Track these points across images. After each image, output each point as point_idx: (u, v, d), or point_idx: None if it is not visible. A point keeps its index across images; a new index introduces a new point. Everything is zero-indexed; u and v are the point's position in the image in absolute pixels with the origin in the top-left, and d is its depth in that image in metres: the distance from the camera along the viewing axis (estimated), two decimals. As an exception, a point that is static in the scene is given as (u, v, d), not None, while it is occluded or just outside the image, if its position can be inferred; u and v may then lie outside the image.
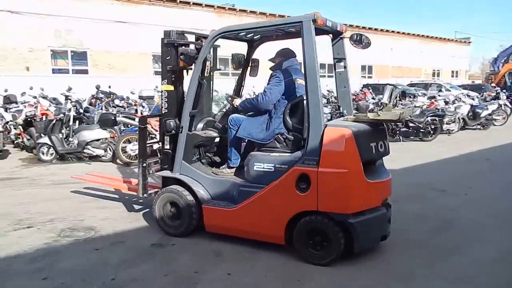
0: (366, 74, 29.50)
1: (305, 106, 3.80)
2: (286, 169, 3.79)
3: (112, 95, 12.74)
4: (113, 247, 4.19)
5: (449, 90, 20.61)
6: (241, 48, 5.10)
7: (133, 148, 7.90)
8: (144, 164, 4.66)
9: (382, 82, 23.22)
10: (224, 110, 5.21)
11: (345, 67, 4.52)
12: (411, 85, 23.67)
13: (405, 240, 4.38)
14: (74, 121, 8.73)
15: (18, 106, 10.56)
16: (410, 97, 16.26)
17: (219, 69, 4.98)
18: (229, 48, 5.22)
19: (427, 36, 34.01)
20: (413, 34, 32.79)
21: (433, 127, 11.27)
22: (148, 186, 4.81)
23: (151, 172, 4.83)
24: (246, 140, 4.44)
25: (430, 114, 11.33)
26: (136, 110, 10.28)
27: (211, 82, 5.07)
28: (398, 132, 10.95)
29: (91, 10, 17.65)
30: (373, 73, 29.97)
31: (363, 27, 28.23)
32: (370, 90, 17.30)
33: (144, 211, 5.23)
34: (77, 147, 8.33)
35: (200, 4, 21.19)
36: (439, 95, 16.07)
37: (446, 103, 13.59)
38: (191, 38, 4.71)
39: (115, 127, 8.57)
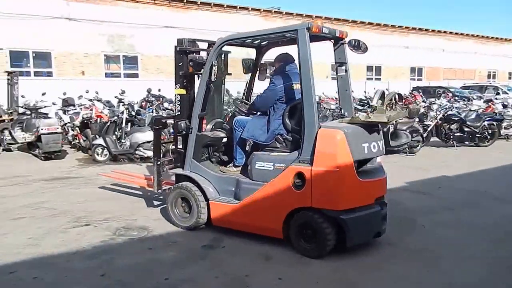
0: (416, 77, 28.57)
1: (302, 112, 4.00)
2: (284, 167, 4.04)
3: (161, 98, 13.08)
4: (166, 247, 4.29)
5: (507, 93, 19.57)
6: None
7: (183, 150, 8.08)
8: (158, 162, 4.99)
9: (433, 85, 22.45)
10: (232, 112, 5.48)
11: (346, 71, 4.67)
12: (465, 87, 22.68)
13: (463, 251, 4.18)
14: (126, 124, 9.04)
15: (75, 109, 11.08)
16: (464, 100, 15.62)
17: (230, 74, 5.44)
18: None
19: (482, 36, 32.42)
20: (467, 34, 31.37)
21: (490, 132, 10.72)
22: (164, 183, 5.18)
23: (165, 170, 5.11)
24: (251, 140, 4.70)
25: (487, 118, 10.78)
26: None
27: (223, 86, 5.38)
28: (452, 137, 10.50)
29: (142, 16, 18.29)
30: (424, 75, 28.97)
31: (413, 28, 27.45)
32: (421, 93, 16.74)
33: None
34: (129, 149, 8.62)
35: (246, 8, 21.38)
36: (496, 98, 15.28)
37: (505, 106, 12.88)
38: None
39: (165, 129, 8.78)
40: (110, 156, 8.75)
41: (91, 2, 17.38)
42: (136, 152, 8.56)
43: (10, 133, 9.75)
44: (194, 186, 4.64)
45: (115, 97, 10.61)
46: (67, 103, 11.48)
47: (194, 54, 4.78)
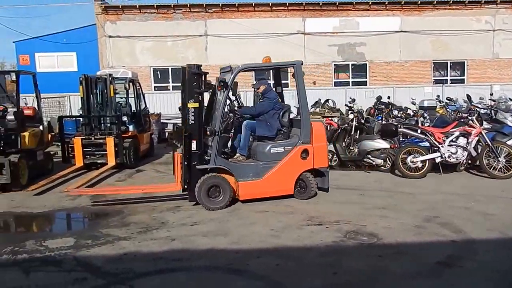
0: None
1: (300, 113, 6.51)
2: (291, 148, 6.29)
3: (390, 106, 12.85)
4: (396, 257, 4.21)
5: None
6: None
7: (413, 160, 7.77)
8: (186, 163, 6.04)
9: None
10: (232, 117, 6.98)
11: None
12: None
13: None
14: (355, 131, 9.23)
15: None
16: None
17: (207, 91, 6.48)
18: None
19: None
20: None
21: None
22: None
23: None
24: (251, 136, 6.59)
25: None
26: (417, 121, 10.00)
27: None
28: None
29: (373, 23, 18.48)
30: None
31: None
32: None
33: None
34: (358, 156, 8.74)
35: (494, 2, 18.82)
36: None
37: None
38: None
39: (395, 137, 8.59)
40: (339, 162, 9.07)
41: (324, 15, 18.56)
42: (365, 159, 8.62)
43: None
44: (222, 174, 6.06)
45: (345, 105, 10.99)
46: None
47: (205, 76, 6.14)
